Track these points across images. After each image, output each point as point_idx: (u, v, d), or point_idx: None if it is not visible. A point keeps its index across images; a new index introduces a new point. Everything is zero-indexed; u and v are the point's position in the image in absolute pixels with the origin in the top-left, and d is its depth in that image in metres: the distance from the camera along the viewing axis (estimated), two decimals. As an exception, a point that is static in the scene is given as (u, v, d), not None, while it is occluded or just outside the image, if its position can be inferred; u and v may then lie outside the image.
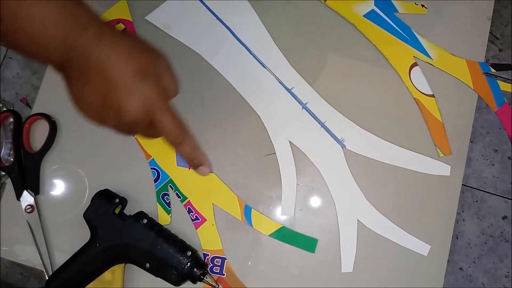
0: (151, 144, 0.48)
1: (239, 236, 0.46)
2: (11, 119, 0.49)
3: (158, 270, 0.42)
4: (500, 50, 1.06)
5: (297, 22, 0.50)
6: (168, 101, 0.37)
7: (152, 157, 0.47)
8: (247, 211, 0.46)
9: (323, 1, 0.51)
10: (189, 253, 0.42)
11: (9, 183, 0.48)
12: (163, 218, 0.46)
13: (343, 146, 0.47)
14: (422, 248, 0.45)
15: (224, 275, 0.45)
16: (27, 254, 0.47)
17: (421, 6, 0.50)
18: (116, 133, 0.36)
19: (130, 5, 0.52)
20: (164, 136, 0.38)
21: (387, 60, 0.49)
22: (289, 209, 0.46)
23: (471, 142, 1.02)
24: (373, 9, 0.50)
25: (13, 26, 0.30)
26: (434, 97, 0.48)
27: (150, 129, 0.37)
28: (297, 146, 0.47)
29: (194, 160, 0.41)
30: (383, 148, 0.47)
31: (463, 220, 1.00)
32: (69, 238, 0.47)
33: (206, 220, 0.46)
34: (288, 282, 0.45)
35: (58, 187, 0.48)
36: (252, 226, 0.46)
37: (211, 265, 0.45)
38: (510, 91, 0.48)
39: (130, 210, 0.46)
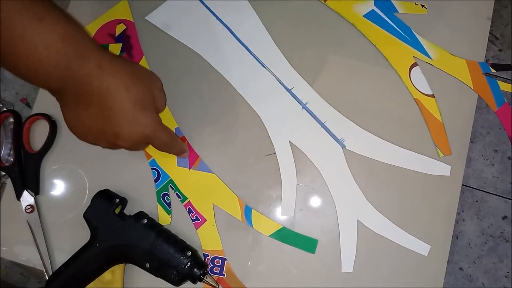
0: (151, 144, 0.48)
1: (239, 236, 0.46)
2: (11, 119, 0.49)
3: (158, 270, 0.42)
4: (500, 50, 1.06)
5: (297, 22, 0.50)
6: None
7: (152, 157, 0.48)
8: (247, 211, 0.46)
9: (323, 1, 0.51)
10: (189, 253, 0.42)
11: (9, 183, 0.48)
12: (163, 218, 0.46)
13: (343, 146, 0.47)
14: (422, 248, 0.45)
15: (224, 275, 0.45)
16: (27, 254, 0.47)
17: (421, 6, 0.50)
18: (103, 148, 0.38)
19: (130, 5, 0.52)
20: (158, 149, 0.42)
21: (387, 60, 0.49)
22: (289, 209, 0.46)
23: (471, 142, 1.02)
24: (373, 9, 0.50)
25: (16, 51, 0.30)
26: (434, 97, 0.48)
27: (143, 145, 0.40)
28: (297, 146, 0.47)
29: (182, 153, 0.46)
30: (383, 148, 0.47)
31: (463, 220, 1.00)
32: (69, 238, 0.47)
33: (206, 220, 0.46)
34: (288, 282, 0.45)
35: (58, 187, 0.48)
36: (252, 226, 0.46)
37: (211, 265, 0.45)
38: (510, 91, 0.48)
39: (130, 210, 0.46)
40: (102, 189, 0.45)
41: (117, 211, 0.44)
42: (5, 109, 1.02)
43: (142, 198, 0.47)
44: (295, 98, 0.48)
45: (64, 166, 0.49)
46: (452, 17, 0.50)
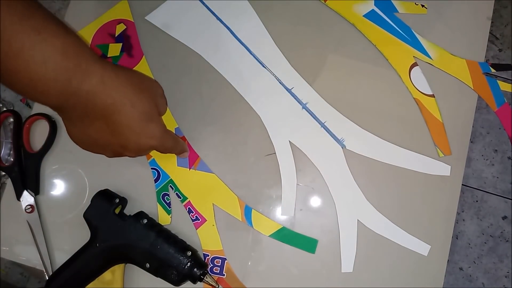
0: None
1: (239, 236, 0.46)
2: (11, 119, 0.49)
3: (158, 270, 0.42)
4: (500, 50, 1.06)
5: (297, 22, 0.50)
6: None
7: (152, 157, 0.48)
8: (247, 211, 0.46)
9: (323, 1, 0.51)
10: (189, 253, 0.42)
11: (9, 183, 0.48)
12: (163, 218, 0.46)
13: (343, 146, 0.47)
14: (422, 248, 0.45)
15: (224, 275, 0.45)
16: (27, 254, 0.47)
17: (421, 6, 0.50)
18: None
19: (130, 5, 0.52)
20: (162, 153, 0.42)
21: (387, 60, 0.49)
22: (289, 209, 0.46)
23: (471, 142, 1.02)
24: (373, 9, 0.50)
25: (13, 67, 0.28)
26: (434, 97, 0.48)
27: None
28: (297, 146, 0.47)
29: (183, 153, 0.46)
30: (383, 148, 0.47)
31: (463, 220, 1.00)
32: (69, 238, 0.47)
33: (206, 220, 0.46)
34: (288, 282, 0.45)
35: (58, 187, 0.48)
36: (252, 226, 0.46)
37: (211, 265, 0.45)
38: (510, 91, 0.48)
39: (130, 210, 0.46)
40: (102, 189, 0.45)
41: (117, 211, 0.44)
42: (5, 109, 1.02)
43: (142, 198, 0.47)
44: (295, 98, 0.48)
45: (64, 166, 0.49)
46: (452, 17, 0.50)
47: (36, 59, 0.28)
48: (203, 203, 0.46)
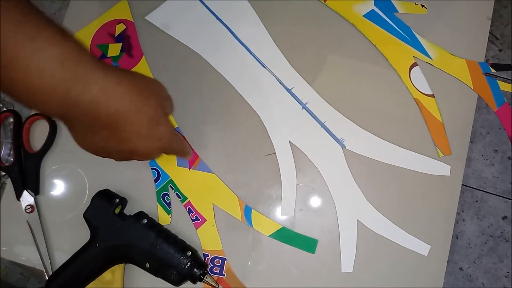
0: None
1: (239, 236, 0.46)
2: (11, 119, 0.49)
3: (158, 270, 0.42)
4: (500, 50, 1.06)
5: (297, 22, 0.50)
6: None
7: (152, 157, 0.48)
8: (247, 211, 0.46)
9: (323, 1, 0.51)
10: (189, 253, 0.42)
11: (9, 183, 0.48)
12: (163, 218, 0.46)
13: (343, 146, 0.47)
14: (422, 248, 0.45)
15: (224, 275, 0.45)
16: (27, 254, 0.47)
17: (421, 6, 0.50)
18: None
19: (130, 5, 0.52)
20: (169, 154, 0.42)
21: (387, 60, 0.49)
22: (289, 209, 0.46)
23: (471, 142, 1.02)
24: (373, 9, 0.50)
25: (10, 76, 0.27)
26: (434, 97, 0.48)
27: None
28: (297, 146, 0.47)
29: (187, 154, 0.46)
30: (383, 148, 0.47)
31: (463, 220, 1.00)
32: (69, 238, 0.47)
33: (206, 220, 0.46)
34: (288, 282, 0.45)
35: (58, 187, 0.48)
36: (252, 226, 0.46)
37: (211, 265, 0.45)
38: (510, 91, 0.48)
39: (130, 210, 0.46)
40: (102, 189, 0.45)
41: (117, 211, 0.44)
42: (5, 109, 1.02)
43: (142, 198, 0.47)
44: (295, 98, 0.48)
45: (64, 166, 0.49)
46: (452, 17, 0.50)
47: (32, 69, 0.27)
48: (203, 203, 0.46)
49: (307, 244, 0.45)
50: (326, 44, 0.50)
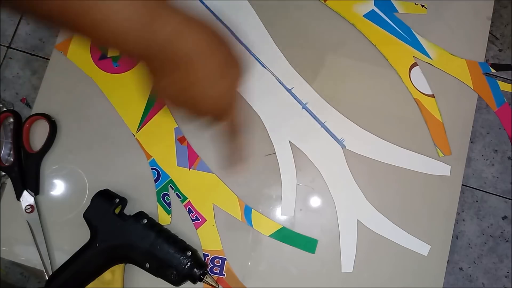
0: (152, 145, 0.48)
1: (239, 236, 0.46)
2: (11, 119, 0.49)
3: (158, 270, 0.42)
4: (500, 50, 1.06)
5: (297, 22, 0.50)
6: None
7: (152, 157, 0.47)
8: (247, 211, 0.46)
9: (323, 1, 0.50)
10: (189, 253, 0.42)
11: (9, 183, 0.48)
12: (163, 218, 0.46)
13: (343, 146, 0.47)
14: (422, 248, 0.45)
15: (224, 275, 0.45)
16: (27, 254, 0.47)
17: (421, 6, 0.50)
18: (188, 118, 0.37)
19: (130, 5, 0.51)
20: (229, 126, 0.40)
21: (387, 60, 0.49)
22: (289, 209, 0.46)
23: (471, 142, 1.02)
24: (373, 9, 0.50)
25: (94, 17, 0.29)
26: (434, 97, 0.48)
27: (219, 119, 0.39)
28: (297, 146, 0.47)
29: (237, 154, 0.42)
30: (383, 148, 0.47)
31: (463, 220, 1.00)
32: (69, 238, 0.47)
33: (206, 220, 0.46)
34: (288, 282, 0.45)
35: (58, 187, 0.48)
36: (252, 226, 0.46)
37: (211, 265, 0.45)
38: (510, 91, 0.48)
39: (130, 210, 0.46)
40: (102, 189, 0.45)
41: (117, 211, 0.44)
42: (5, 109, 1.02)
43: (142, 198, 0.47)
44: (295, 98, 0.48)
45: (64, 166, 0.49)
46: (452, 17, 0.50)
47: (112, 9, 0.29)
48: (203, 203, 0.46)
49: (307, 244, 0.45)
50: (326, 44, 0.50)
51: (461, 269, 0.99)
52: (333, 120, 0.47)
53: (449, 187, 0.46)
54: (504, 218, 1.00)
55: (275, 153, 0.47)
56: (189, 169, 0.47)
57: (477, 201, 1.01)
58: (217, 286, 0.42)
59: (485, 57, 0.49)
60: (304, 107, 0.48)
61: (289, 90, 0.48)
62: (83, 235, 0.44)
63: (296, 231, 0.45)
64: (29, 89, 1.07)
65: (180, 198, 0.47)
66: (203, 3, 0.51)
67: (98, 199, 0.44)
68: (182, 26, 0.32)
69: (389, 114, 0.48)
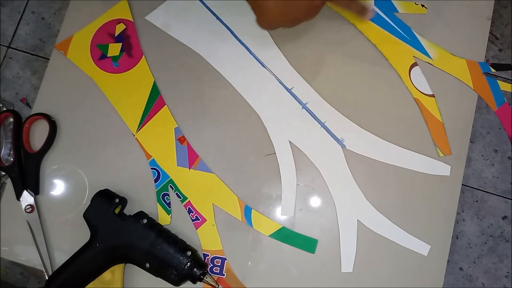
0: (152, 145, 0.48)
1: (239, 236, 0.46)
2: (11, 119, 0.49)
3: (158, 270, 0.42)
4: (500, 50, 1.06)
5: (297, 22, 0.50)
6: None
7: (152, 157, 0.48)
8: (247, 211, 0.46)
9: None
10: (189, 253, 0.42)
11: (9, 183, 0.48)
12: (163, 218, 0.46)
13: (343, 146, 0.47)
14: (422, 248, 0.45)
15: (224, 275, 0.45)
16: (27, 254, 0.47)
17: (421, 6, 0.50)
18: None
19: (130, 5, 0.52)
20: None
21: (387, 60, 0.49)
22: (289, 209, 0.46)
23: (471, 142, 1.02)
24: (373, 9, 0.50)
25: None
26: (434, 97, 0.48)
27: None
28: (297, 146, 0.47)
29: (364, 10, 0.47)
30: (383, 148, 0.47)
31: (463, 220, 1.00)
32: (69, 238, 0.47)
33: (206, 220, 0.46)
34: (288, 282, 0.45)
35: (58, 187, 0.48)
36: (252, 226, 0.46)
37: (211, 265, 0.45)
38: (510, 91, 0.48)
39: (130, 210, 0.46)
40: (102, 189, 0.45)
41: (117, 211, 0.44)
42: (5, 109, 1.02)
43: (142, 198, 0.47)
44: (295, 98, 0.48)
45: (64, 166, 0.49)
46: (452, 17, 0.50)
47: None
48: (203, 203, 0.46)
49: (307, 244, 0.45)
50: (326, 44, 0.50)
51: (461, 269, 0.99)
52: (333, 120, 0.47)
53: (449, 187, 0.46)
54: (504, 218, 1.00)
55: (275, 153, 0.47)
56: (189, 169, 0.47)
57: (477, 201, 1.01)
58: (217, 286, 0.42)
59: (485, 57, 0.49)
60: (304, 107, 0.48)
61: (289, 90, 0.48)
62: (83, 235, 0.44)
63: (296, 231, 0.45)
64: (29, 89, 1.07)
65: (180, 198, 0.47)
66: (203, 3, 0.51)
67: (98, 199, 0.44)
68: None
69: (389, 114, 0.48)
